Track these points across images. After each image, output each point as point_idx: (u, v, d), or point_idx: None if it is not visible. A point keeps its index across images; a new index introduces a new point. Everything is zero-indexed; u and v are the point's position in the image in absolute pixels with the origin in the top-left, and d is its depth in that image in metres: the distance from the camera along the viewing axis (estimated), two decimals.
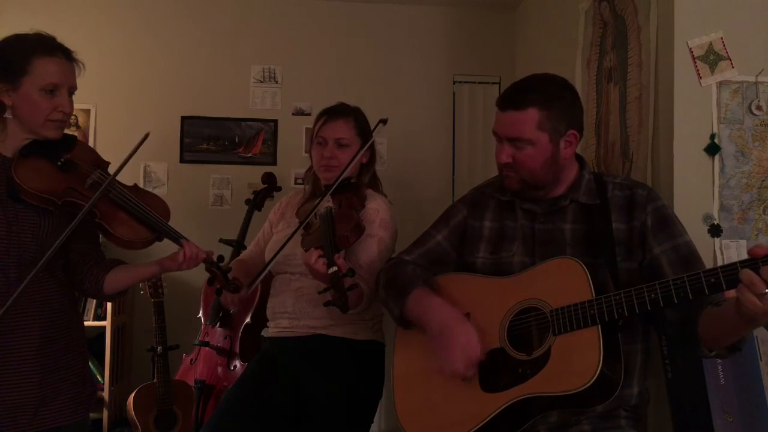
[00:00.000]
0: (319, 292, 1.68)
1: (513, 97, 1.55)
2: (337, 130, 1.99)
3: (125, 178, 1.69)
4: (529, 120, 1.51)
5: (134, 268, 1.72)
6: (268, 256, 2.04)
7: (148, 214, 1.61)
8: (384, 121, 1.95)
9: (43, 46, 1.57)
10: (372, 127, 2.04)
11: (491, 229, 1.67)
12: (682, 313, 1.41)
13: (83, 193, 1.56)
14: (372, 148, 2.08)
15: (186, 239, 1.64)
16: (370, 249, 1.89)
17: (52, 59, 1.56)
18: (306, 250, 1.74)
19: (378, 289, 1.74)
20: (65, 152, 1.61)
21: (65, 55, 1.60)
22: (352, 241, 1.79)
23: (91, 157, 1.68)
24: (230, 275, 1.74)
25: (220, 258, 1.73)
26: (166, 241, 1.65)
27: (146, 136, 1.60)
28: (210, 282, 1.74)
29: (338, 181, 1.90)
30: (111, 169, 1.67)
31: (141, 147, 1.61)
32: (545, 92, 1.53)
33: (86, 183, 1.59)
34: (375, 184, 2.10)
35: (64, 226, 1.55)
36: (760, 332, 1.60)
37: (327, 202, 1.90)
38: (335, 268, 1.60)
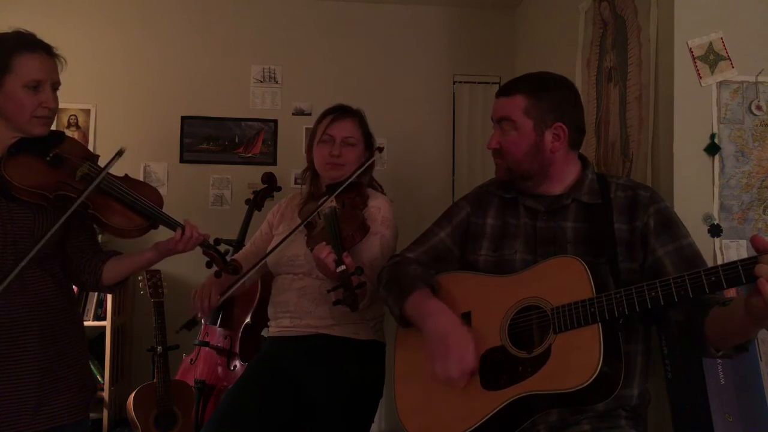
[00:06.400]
0: (328, 291, 1.70)
1: (506, 86, 1.65)
2: (345, 129, 2.02)
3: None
4: (516, 105, 1.59)
5: (132, 256, 1.73)
6: (269, 257, 2.04)
7: (140, 202, 1.63)
8: (380, 149, 2.10)
9: (24, 42, 1.56)
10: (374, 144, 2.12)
11: (493, 227, 1.67)
12: (687, 313, 1.40)
13: (74, 186, 1.57)
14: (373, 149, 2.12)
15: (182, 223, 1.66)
16: (372, 247, 1.90)
17: (34, 55, 1.56)
18: (312, 250, 1.75)
19: (379, 288, 1.74)
20: (53, 147, 1.62)
21: (46, 50, 1.59)
22: (357, 240, 1.80)
23: (80, 151, 1.68)
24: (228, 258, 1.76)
25: (217, 241, 1.74)
26: (162, 229, 1.66)
27: (120, 152, 1.60)
28: (208, 265, 1.75)
29: (348, 182, 1.93)
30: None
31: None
32: (535, 83, 1.62)
33: (77, 176, 1.60)
34: (373, 185, 2.12)
35: (58, 220, 1.55)
36: (760, 332, 1.59)
37: (330, 202, 1.91)
38: (343, 267, 1.63)
